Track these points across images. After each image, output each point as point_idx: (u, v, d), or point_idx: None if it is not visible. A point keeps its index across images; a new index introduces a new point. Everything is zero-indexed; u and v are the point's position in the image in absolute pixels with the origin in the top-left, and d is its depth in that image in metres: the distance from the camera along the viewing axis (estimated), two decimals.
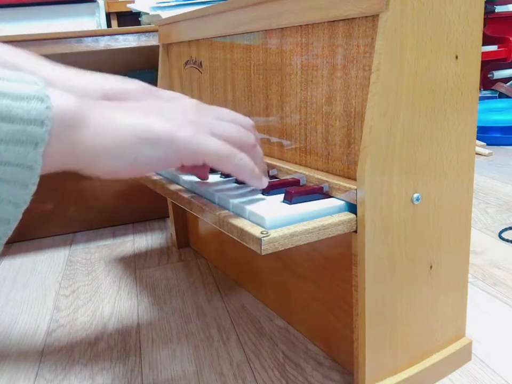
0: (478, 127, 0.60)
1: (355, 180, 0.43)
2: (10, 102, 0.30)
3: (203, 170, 0.52)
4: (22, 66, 0.47)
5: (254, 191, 0.49)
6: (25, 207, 0.32)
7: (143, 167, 0.38)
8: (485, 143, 1.62)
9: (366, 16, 0.42)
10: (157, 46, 0.86)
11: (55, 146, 0.33)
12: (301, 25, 0.50)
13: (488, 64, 2.13)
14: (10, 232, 0.32)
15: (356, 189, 0.43)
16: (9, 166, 0.30)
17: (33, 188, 0.32)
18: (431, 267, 0.50)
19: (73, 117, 0.34)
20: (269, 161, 0.56)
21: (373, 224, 0.43)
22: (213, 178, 0.55)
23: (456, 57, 0.45)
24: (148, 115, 0.39)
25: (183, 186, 0.56)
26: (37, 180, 0.32)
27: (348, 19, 0.44)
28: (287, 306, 0.66)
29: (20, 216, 0.32)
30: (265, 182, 0.46)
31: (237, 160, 0.41)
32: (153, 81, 1.09)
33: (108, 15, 2.09)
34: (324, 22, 0.47)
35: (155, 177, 0.62)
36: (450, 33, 0.44)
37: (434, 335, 0.52)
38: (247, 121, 0.47)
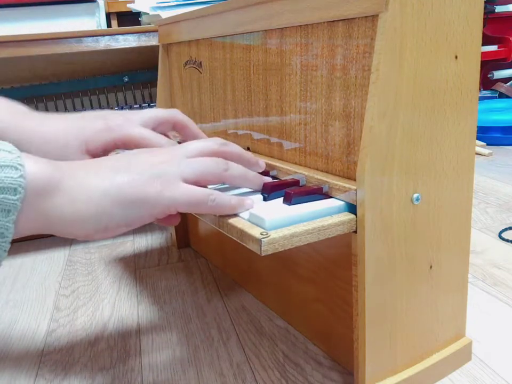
0: (478, 127, 0.60)
1: (355, 180, 0.43)
2: None
3: (175, 218, 0.51)
4: (5, 120, 0.47)
5: (253, 192, 0.49)
6: None
7: (117, 229, 0.39)
8: (485, 143, 1.62)
9: (366, 16, 0.42)
10: (157, 46, 0.86)
11: (27, 214, 0.34)
12: (300, 25, 0.50)
13: (488, 64, 2.13)
14: None
15: (356, 189, 0.43)
16: None
17: (4, 255, 0.33)
18: (431, 267, 0.50)
19: (46, 185, 0.35)
20: (269, 162, 0.56)
21: (373, 224, 0.43)
22: None
23: (456, 57, 0.45)
24: (117, 174, 0.39)
25: None
26: (8, 247, 0.33)
27: (348, 19, 0.44)
28: (287, 306, 0.66)
29: None
30: (248, 205, 0.44)
31: (209, 203, 0.41)
32: (153, 81, 1.09)
33: (108, 15, 2.09)
34: (324, 22, 0.47)
35: None
36: (450, 33, 0.44)
37: (434, 335, 0.52)
38: (212, 141, 0.46)
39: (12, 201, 0.32)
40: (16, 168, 0.32)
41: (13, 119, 0.48)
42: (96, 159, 0.43)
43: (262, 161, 0.50)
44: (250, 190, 0.50)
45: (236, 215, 0.44)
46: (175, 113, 0.54)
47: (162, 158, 0.42)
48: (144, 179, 0.39)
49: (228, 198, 0.43)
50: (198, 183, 0.43)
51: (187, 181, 0.41)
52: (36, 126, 0.48)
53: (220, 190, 0.50)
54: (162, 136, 0.50)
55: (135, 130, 0.49)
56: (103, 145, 0.50)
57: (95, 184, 0.37)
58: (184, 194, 0.40)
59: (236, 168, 0.46)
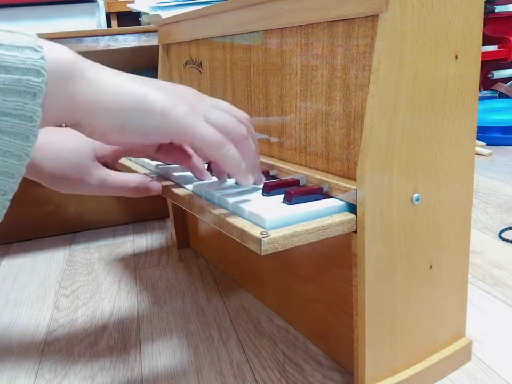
0: (478, 127, 0.60)
1: (355, 180, 0.43)
2: (4, 51, 0.30)
3: (185, 158, 0.50)
4: None
5: (254, 192, 0.49)
6: (28, 160, 0.32)
7: (132, 134, 0.38)
8: (485, 143, 1.62)
9: (366, 16, 0.42)
10: (157, 46, 0.86)
11: (52, 97, 0.33)
12: (300, 25, 0.50)
13: (488, 64, 2.13)
14: (15, 187, 0.32)
15: (356, 189, 0.43)
16: (8, 117, 0.30)
17: (35, 140, 0.32)
18: (431, 267, 0.50)
19: (69, 69, 0.34)
20: (269, 162, 0.56)
21: (373, 224, 0.43)
22: (213, 178, 0.55)
23: (456, 57, 0.45)
24: (147, 85, 0.39)
25: (183, 187, 0.56)
26: (37, 132, 0.32)
27: (348, 19, 0.44)
28: (287, 306, 0.66)
29: (23, 170, 0.32)
30: (251, 179, 0.44)
31: (225, 150, 0.41)
32: None
33: (108, 15, 2.09)
34: (324, 22, 0.47)
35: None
36: (450, 33, 0.44)
37: (434, 335, 0.52)
38: (243, 114, 0.46)
39: (36, 84, 0.31)
40: (36, 50, 0.31)
41: None
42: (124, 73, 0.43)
43: (252, 179, 0.48)
44: (251, 188, 0.50)
45: (235, 215, 0.44)
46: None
47: (193, 95, 0.42)
48: (173, 99, 0.39)
49: (241, 159, 0.42)
50: (219, 131, 0.42)
51: (211, 124, 0.41)
52: (49, 134, 0.49)
53: (225, 188, 0.50)
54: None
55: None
56: (114, 153, 0.51)
57: (121, 82, 0.37)
58: (206, 129, 0.40)
59: (253, 144, 0.45)
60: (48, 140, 0.49)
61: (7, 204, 0.32)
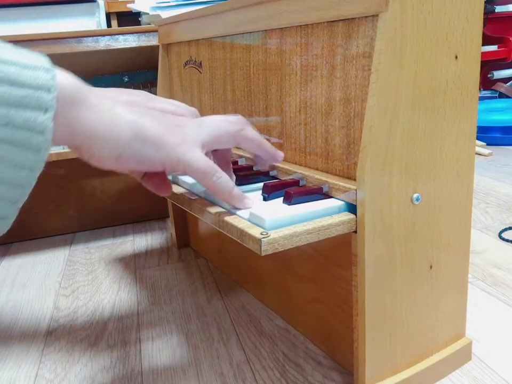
0: (478, 127, 0.60)
1: (355, 180, 0.43)
2: (19, 69, 0.31)
3: (166, 186, 0.50)
4: None
5: (254, 192, 0.49)
6: (39, 172, 0.33)
7: (127, 162, 0.40)
8: (485, 143, 1.62)
9: (366, 16, 0.42)
10: (157, 46, 0.86)
11: (57, 118, 0.34)
12: (300, 25, 0.50)
13: (488, 64, 2.13)
14: (25, 197, 0.33)
15: (356, 189, 0.43)
16: (21, 130, 0.31)
17: (46, 154, 0.33)
18: (431, 267, 0.50)
19: (75, 94, 0.35)
20: None
21: (373, 224, 0.43)
22: None
23: (456, 57, 0.45)
24: (145, 116, 0.41)
25: (183, 187, 0.56)
26: (49, 146, 0.33)
27: (348, 19, 0.44)
28: (287, 306, 0.66)
29: (34, 182, 0.33)
30: (247, 203, 0.45)
31: (214, 178, 0.43)
32: (153, 81, 1.09)
33: (108, 15, 2.09)
34: (324, 22, 0.47)
35: None
36: (450, 33, 0.44)
37: (434, 335, 0.52)
38: (233, 115, 0.48)
39: (49, 99, 0.32)
40: (48, 70, 0.33)
41: None
42: (125, 93, 0.45)
43: (281, 153, 0.51)
44: (251, 188, 0.50)
45: (235, 214, 0.44)
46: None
47: (185, 121, 0.44)
48: (167, 129, 0.41)
49: (232, 185, 0.44)
50: (215, 144, 0.45)
51: (204, 143, 0.43)
52: None
53: None
54: None
55: None
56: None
57: (122, 114, 0.39)
58: (197, 159, 0.42)
59: (251, 131, 0.47)
60: None
61: (17, 212, 0.33)
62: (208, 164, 0.42)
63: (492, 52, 2.11)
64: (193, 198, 0.51)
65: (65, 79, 0.35)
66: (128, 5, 0.95)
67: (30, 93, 0.31)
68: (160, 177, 0.47)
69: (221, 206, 0.47)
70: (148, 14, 0.82)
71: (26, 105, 0.31)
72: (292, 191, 0.45)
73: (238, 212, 0.45)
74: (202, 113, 0.75)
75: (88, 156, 0.39)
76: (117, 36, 0.94)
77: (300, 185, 0.50)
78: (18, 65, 0.32)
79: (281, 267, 0.65)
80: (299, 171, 0.51)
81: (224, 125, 0.45)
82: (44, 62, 0.33)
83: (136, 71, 1.10)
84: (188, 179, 0.55)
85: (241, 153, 0.62)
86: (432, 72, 0.44)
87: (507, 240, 0.88)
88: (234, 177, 0.51)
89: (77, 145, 0.37)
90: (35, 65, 0.32)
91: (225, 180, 0.43)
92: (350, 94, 0.45)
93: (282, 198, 0.46)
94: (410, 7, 0.41)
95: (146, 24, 0.98)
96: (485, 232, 0.92)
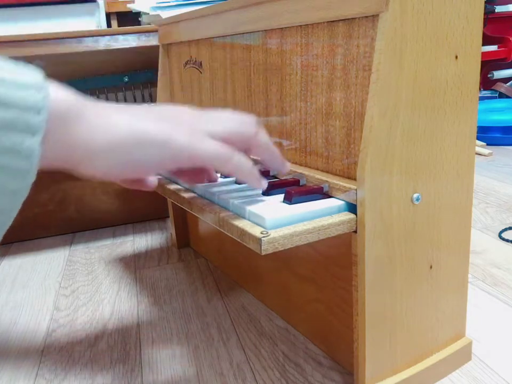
0: (478, 127, 0.60)
1: (355, 179, 0.43)
2: (7, 88, 0.30)
3: (199, 176, 0.50)
4: None
5: (254, 191, 0.49)
6: (24, 197, 0.31)
7: (135, 169, 0.38)
8: (485, 143, 1.62)
9: (366, 16, 0.42)
10: (157, 46, 0.86)
11: (49, 139, 0.32)
12: (301, 25, 0.50)
13: (488, 64, 2.13)
14: (9, 223, 0.32)
15: (356, 189, 0.43)
16: (6, 154, 0.30)
17: (32, 178, 0.31)
18: (431, 267, 0.50)
19: (69, 111, 0.34)
20: None
21: (373, 224, 0.43)
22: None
23: (456, 57, 0.45)
24: (144, 118, 0.38)
25: (183, 187, 0.56)
26: (35, 170, 0.31)
27: (348, 19, 0.44)
28: (287, 306, 0.66)
29: (18, 207, 0.31)
30: (264, 184, 0.45)
31: (235, 161, 0.41)
32: (153, 81, 1.09)
33: (108, 15, 2.09)
34: (324, 22, 0.47)
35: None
36: (450, 33, 0.44)
37: (434, 335, 0.52)
38: (248, 116, 0.46)
39: (37, 122, 0.31)
40: (40, 90, 0.31)
41: None
42: (123, 106, 0.43)
43: (288, 165, 0.49)
44: (251, 188, 0.50)
45: (235, 214, 0.44)
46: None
47: (194, 114, 0.42)
48: (172, 126, 0.39)
49: (251, 165, 0.42)
50: (226, 141, 0.42)
51: (214, 138, 0.41)
52: None
53: (222, 189, 0.50)
54: None
55: None
56: None
57: (118, 119, 0.37)
58: (212, 147, 0.39)
59: (265, 136, 0.45)
60: None
61: (1, 236, 0.32)
62: (221, 148, 0.40)
63: (492, 51, 2.11)
64: (193, 197, 0.51)
65: (59, 96, 0.33)
66: (128, 5, 0.95)
67: (17, 115, 0.30)
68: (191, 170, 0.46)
69: (221, 206, 0.47)
70: (148, 14, 0.82)
71: (13, 128, 0.30)
72: (292, 190, 0.45)
73: (238, 211, 0.45)
74: None
75: (90, 171, 0.36)
76: (117, 36, 0.94)
77: (300, 184, 0.50)
78: (8, 84, 0.30)
79: (281, 267, 0.65)
80: (299, 171, 0.51)
81: (239, 124, 0.43)
82: (37, 79, 0.32)
83: (136, 71, 1.10)
84: None
85: None
86: (432, 72, 0.44)
87: (507, 240, 0.88)
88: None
89: (76, 163, 0.36)
90: (26, 83, 0.31)
91: (244, 159, 0.42)
92: (350, 94, 0.45)
93: (282, 197, 0.46)
94: (411, 7, 0.41)
95: (146, 24, 0.98)
96: (485, 232, 0.92)
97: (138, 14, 1.02)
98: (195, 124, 0.41)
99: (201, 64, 0.73)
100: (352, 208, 0.44)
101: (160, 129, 0.38)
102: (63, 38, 0.91)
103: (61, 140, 0.34)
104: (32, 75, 0.32)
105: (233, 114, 0.45)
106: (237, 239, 0.42)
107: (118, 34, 0.94)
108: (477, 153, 1.51)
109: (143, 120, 0.38)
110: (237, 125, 0.43)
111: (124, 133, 0.36)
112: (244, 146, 0.44)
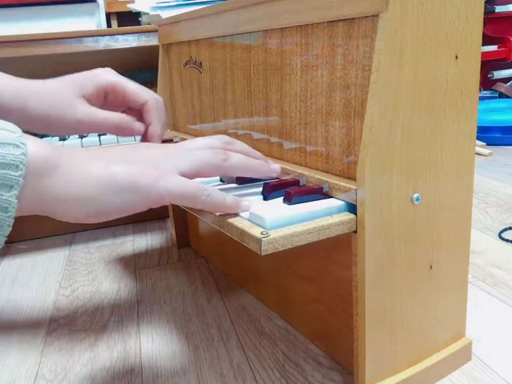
0: (478, 127, 0.60)
1: (355, 180, 0.43)
2: None
3: None
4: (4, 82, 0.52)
5: (254, 192, 0.49)
6: (1, 246, 0.34)
7: (109, 214, 0.40)
8: (485, 143, 1.62)
9: (366, 16, 0.42)
10: (157, 46, 0.86)
11: (26, 192, 0.34)
12: (300, 25, 0.50)
13: (488, 64, 2.13)
14: None
15: (356, 189, 0.43)
16: None
17: (9, 228, 0.34)
18: (431, 267, 0.50)
19: (44, 165, 0.36)
20: None
21: (373, 224, 0.43)
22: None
23: (456, 57, 0.45)
24: (114, 163, 0.40)
25: None
26: (11, 222, 0.34)
27: (348, 19, 0.44)
28: (287, 306, 0.66)
29: None
30: (244, 206, 0.44)
31: (203, 198, 0.41)
32: (153, 81, 1.09)
33: (108, 15, 2.09)
34: (324, 22, 0.47)
35: None
36: (450, 33, 0.44)
37: (434, 335, 0.52)
38: (218, 140, 0.47)
39: (14, 177, 0.33)
40: (18, 146, 0.33)
41: (10, 79, 0.53)
42: (97, 148, 0.44)
43: (276, 167, 0.50)
44: (251, 188, 0.50)
45: (236, 214, 0.44)
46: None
47: (162, 152, 0.43)
48: (138, 168, 0.40)
49: (223, 196, 0.43)
50: (197, 175, 0.43)
51: (184, 174, 0.42)
52: (33, 82, 0.54)
53: (225, 190, 0.50)
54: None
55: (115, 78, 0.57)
56: (95, 88, 0.55)
57: (90, 169, 0.38)
58: (178, 186, 0.40)
59: (236, 158, 0.46)
60: (37, 82, 0.54)
61: None
62: (191, 185, 0.41)
63: (492, 51, 2.10)
64: None
65: (36, 150, 0.35)
66: (128, 5, 0.95)
67: None
68: None
69: None
70: (148, 14, 0.82)
71: None
72: (292, 190, 0.45)
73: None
74: (203, 113, 0.75)
75: (66, 219, 0.38)
76: (117, 36, 0.94)
77: (300, 185, 0.50)
78: None
79: (281, 267, 0.65)
80: (299, 171, 0.51)
81: (206, 155, 0.44)
82: (14, 135, 0.34)
83: (136, 71, 1.10)
84: None
85: None
86: (432, 72, 0.44)
87: (507, 240, 0.88)
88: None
89: (52, 212, 0.37)
90: (4, 141, 0.33)
91: (216, 194, 0.42)
92: (350, 93, 0.45)
93: (282, 197, 0.46)
94: (411, 7, 0.41)
95: (146, 24, 0.98)
96: (485, 232, 0.92)
97: (138, 14, 1.02)
98: (165, 161, 0.41)
99: (201, 64, 0.73)
100: (352, 208, 0.44)
101: (129, 173, 0.39)
102: (63, 38, 0.91)
103: (37, 192, 0.36)
104: (9, 131, 0.34)
105: (203, 142, 0.46)
106: (236, 239, 0.42)
107: (118, 34, 0.94)
108: (477, 153, 1.51)
109: (114, 165, 0.39)
110: (206, 156, 0.44)
111: (95, 181, 0.38)
112: (219, 173, 0.45)
